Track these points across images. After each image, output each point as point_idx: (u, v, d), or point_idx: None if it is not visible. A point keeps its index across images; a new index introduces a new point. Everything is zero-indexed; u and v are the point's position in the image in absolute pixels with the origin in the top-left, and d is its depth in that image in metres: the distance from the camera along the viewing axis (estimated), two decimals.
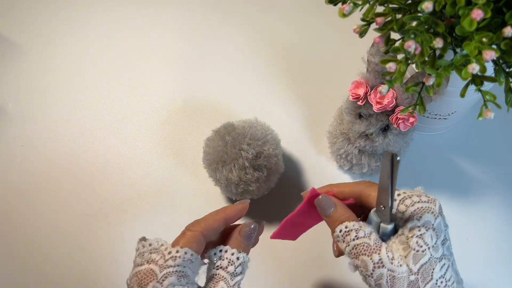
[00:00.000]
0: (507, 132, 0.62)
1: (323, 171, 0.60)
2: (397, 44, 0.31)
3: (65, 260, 0.54)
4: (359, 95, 0.48)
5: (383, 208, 0.32)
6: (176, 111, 0.65)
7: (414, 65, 0.47)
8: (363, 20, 0.34)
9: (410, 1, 0.32)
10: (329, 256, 0.43)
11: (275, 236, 0.40)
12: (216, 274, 0.32)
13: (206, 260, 0.34)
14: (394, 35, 0.32)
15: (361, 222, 0.33)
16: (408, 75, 0.49)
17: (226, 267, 0.32)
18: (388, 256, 0.31)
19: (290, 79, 0.68)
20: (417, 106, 0.36)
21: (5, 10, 0.75)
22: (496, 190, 0.57)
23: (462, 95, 0.32)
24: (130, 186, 0.59)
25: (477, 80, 0.30)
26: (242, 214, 0.36)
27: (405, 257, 0.31)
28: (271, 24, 0.73)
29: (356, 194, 0.37)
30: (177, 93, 0.67)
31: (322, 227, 0.40)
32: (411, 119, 0.46)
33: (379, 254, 0.31)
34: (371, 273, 0.31)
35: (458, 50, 0.34)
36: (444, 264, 0.31)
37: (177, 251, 0.31)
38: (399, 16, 0.32)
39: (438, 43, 0.29)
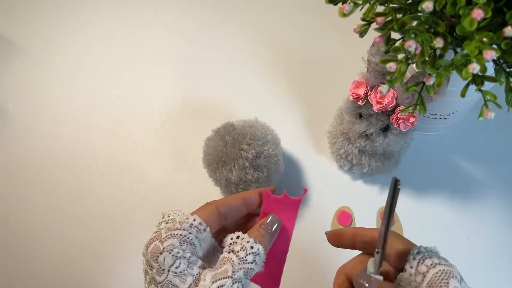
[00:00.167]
0: (507, 132, 0.62)
1: (323, 171, 0.60)
2: (397, 44, 0.31)
3: (65, 259, 0.54)
4: (359, 95, 0.48)
5: (377, 252, 0.30)
6: (176, 111, 0.65)
7: (414, 65, 0.47)
8: (363, 19, 0.34)
9: (410, 1, 0.32)
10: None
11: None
12: (225, 257, 0.31)
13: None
14: (395, 35, 0.32)
15: None
16: (408, 75, 0.49)
17: (237, 252, 0.31)
18: None
19: (290, 79, 0.68)
20: (418, 106, 0.36)
21: (5, 10, 0.75)
22: (496, 190, 0.57)
23: (463, 95, 0.32)
24: (130, 186, 0.59)
25: (478, 80, 0.30)
26: (262, 198, 0.35)
27: None
28: (271, 24, 0.73)
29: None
30: (177, 93, 0.67)
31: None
32: (412, 119, 0.46)
33: None
34: None
35: (458, 50, 0.34)
36: None
37: (187, 218, 0.32)
38: (399, 15, 0.32)
39: (438, 43, 0.29)
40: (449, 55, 0.32)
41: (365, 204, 0.57)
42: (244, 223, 0.37)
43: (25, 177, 0.60)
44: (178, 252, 0.30)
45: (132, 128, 0.64)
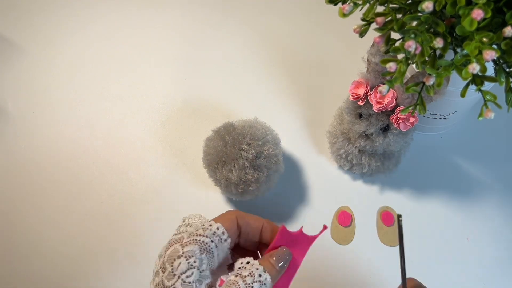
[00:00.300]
0: (507, 132, 0.62)
1: (323, 171, 0.60)
2: (397, 44, 0.31)
3: (65, 259, 0.54)
4: (359, 95, 0.48)
5: None
6: (176, 111, 0.65)
7: (414, 65, 0.47)
8: (363, 20, 0.34)
9: (410, 1, 0.32)
10: None
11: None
12: (231, 280, 0.31)
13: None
14: (394, 35, 0.32)
15: None
16: (408, 75, 0.49)
17: (245, 277, 0.31)
18: None
19: (290, 79, 0.68)
20: (417, 106, 0.36)
21: (5, 10, 0.75)
22: (496, 190, 0.57)
23: (463, 95, 0.32)
24: (130, 186, 0.59)
25: (478, 80, 0.30)
26: (275, 232, 0.35)
27: None
28: (271, 24, 0.73)
29: None
30: (177, 93, 0.67)
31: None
32: (411, 119, 0.46)
33: None
34: None
35: (458, 50, 0.34)
36: None
37: (210, 224, 0.32)
38: (399, 16, 0.32)
39: (438, 43, 0.29)
40: (449, 55, 0.32)
41: (365, 204, 0.57)
42: (253, 251, 0.37)
43: (25, 177, 0.60)
44: (194, 262, 0.29)
45: (132, 128, 0.64)
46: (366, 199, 0.57)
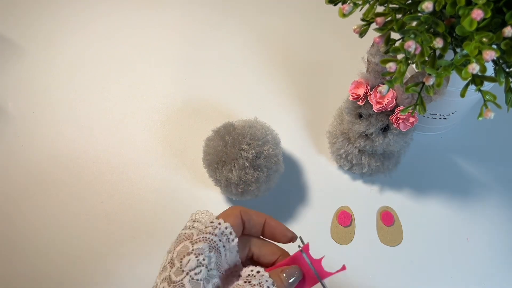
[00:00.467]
0: (507, 132, 0.62)
1: (323, 171, 0.60)
2: (397, 44, 0.31)
3: (65, 259, 0.54)
4: (359, 95, 0.48)
5: None
6: (176, 111, 0.65)
7: (414, 65, 0.47)
8: (363, 20, 0.34)
9: (410, 1, 0.32)
10: None
11: None
12: (239, 284, 0.31)
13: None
14: (394, 35, 0.32)
15: None
16: (408, 75, 0.49)
17: (254, 285, 0.31)
18: None
19: (290, 79, 0.68)
20: (417, 106, 0.36)
21: (5, 10, 0.76)
22: (496, 190, 0.57)
23: (462, 95, 0.32)
24: (130, 186, 0.59)
25: (477, 80, 0.30)
26: (282, 229, 0.35)
27: None
28: (271, 24, 0.73)
29: None
30: (177, 93, 0.67)
31: None
32: (411, 119, 0.46)
33: None
34: None
35: (458, 50, 0.34)
36: None
37: (219, 223, 0.32)
38: (399, 16, 0.32)
39: (438, 43, 0.29)
40: (449, 55, 0.32)
41: (365, 204, 0.57)
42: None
43: (25, 177, 0.60)
44: (203, 259, 0.30)
45: (132, 128, 0.64)
46: (366, 199, 0.57)
